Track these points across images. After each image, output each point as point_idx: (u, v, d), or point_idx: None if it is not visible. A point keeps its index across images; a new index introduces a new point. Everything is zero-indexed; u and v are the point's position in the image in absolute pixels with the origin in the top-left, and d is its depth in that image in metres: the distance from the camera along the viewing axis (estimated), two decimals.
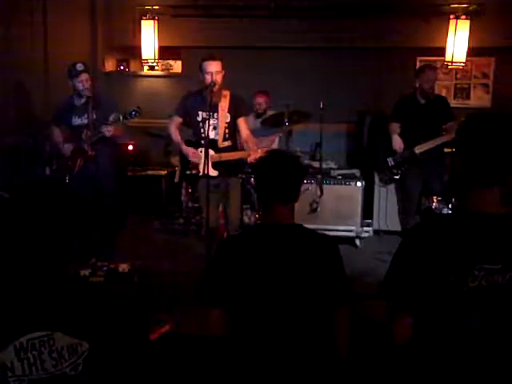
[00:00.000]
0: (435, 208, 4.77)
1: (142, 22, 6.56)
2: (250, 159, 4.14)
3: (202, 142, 4.24)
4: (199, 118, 4.28)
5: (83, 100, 4.66)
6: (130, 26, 6.66)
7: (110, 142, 4.77)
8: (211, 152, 4.18)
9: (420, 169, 5.30)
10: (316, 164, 5.72)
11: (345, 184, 5.61)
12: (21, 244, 1.59)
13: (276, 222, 2.15)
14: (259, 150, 4.06)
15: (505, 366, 1.63)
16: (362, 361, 3.08)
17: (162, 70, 7.08)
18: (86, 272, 4.06)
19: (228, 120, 4.30)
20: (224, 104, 4.27)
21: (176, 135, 4.43)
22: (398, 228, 5.66)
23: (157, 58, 6.67)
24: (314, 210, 5.50)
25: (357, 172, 5.90)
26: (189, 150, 4.33)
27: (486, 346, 1.63)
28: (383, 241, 5.46)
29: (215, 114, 4.25)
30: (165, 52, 6.84)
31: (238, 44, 6.51)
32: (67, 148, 4.78)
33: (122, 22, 6.73)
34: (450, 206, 4.71)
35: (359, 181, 5.61)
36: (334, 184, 5.61)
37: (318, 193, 5.51)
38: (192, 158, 4.34)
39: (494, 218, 1.64)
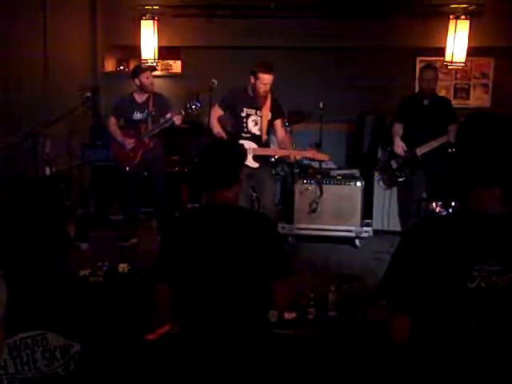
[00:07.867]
0: (438, 212, 4.71)
1: (142, 21, 6.55)
2: (293, 159, 4.96)
3: (243, 135, 4.66)
4: (243, 114, 4.67)
5: (145, 97, 5.23)
6: (130, 26, 6.65)
7: (160, 136, 5.28)
8: (254, 145, 4.65)
9: (424, 171, 5.28)
10: (316, 164, 5.71)
11: (345, 184, 5.59)
12: (16, 242, 1.59)
13: (218, 204, 2.27)
14: (304, 153, 4.80)
15: (503, 368, 1.62)
16: (362, 360, 3.08)
17: (162, 70, 7.07)
18: (86, 272, 4.05)
19: (269, 118, 4.72)
20: (267, 104, 4.68)
21: (218, 128, 4.72)
22: (397, 228, 5.65)
23: (156, 58, 6.66)
24: (314, 210, 5.49)
25: (357, 172, 5.89)
26: None
27: (484, 348, 1.62)
28: (383, 241, 5.44)
29: (258, 112, 4.67)
30: (165, 52, 6.84)
31: (237, 44, 6.51)
32: (129, 143, 5.23)
33: (122, 21, 6.72)
34: (450, 210, 4.63)
35: (359, 181, 5.60)
36: (334, 184, 5.59)
37: (318, 193, 5.49)
38: None
39: (493, 219, 1.62)
